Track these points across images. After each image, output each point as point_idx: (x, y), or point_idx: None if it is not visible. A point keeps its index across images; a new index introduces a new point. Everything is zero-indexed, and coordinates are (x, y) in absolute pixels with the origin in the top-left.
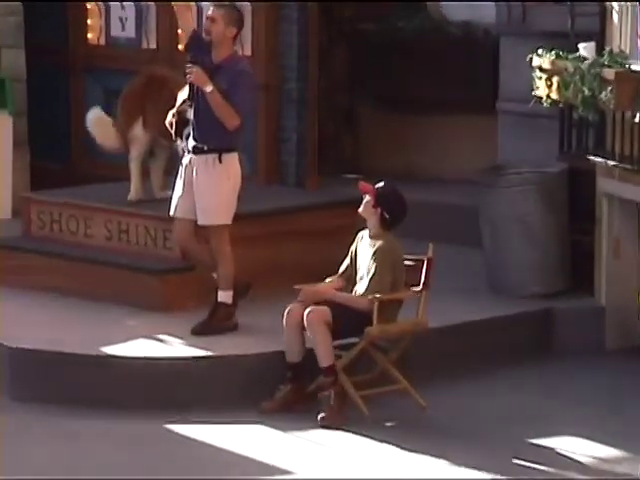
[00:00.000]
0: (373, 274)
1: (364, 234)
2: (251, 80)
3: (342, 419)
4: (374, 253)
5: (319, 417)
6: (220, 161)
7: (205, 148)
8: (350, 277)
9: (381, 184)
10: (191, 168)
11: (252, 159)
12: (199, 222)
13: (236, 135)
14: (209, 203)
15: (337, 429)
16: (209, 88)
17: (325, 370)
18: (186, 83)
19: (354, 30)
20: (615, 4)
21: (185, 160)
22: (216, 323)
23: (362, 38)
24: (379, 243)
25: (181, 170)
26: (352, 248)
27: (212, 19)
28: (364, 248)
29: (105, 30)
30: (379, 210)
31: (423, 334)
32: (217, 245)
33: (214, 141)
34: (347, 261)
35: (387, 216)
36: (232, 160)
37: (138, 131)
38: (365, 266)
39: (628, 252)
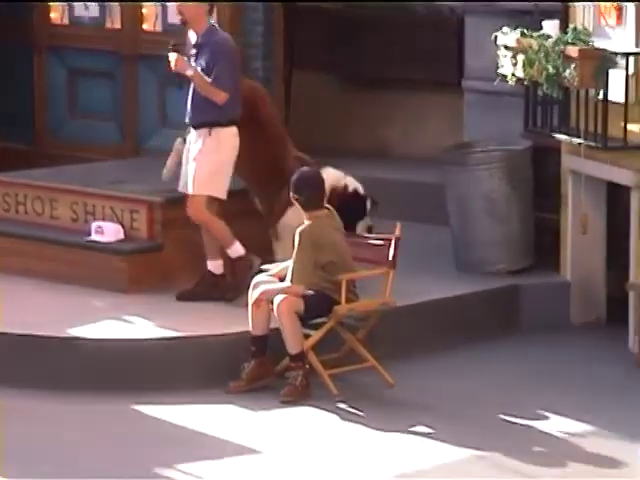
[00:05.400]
0: (293, 258)
1: None
2: (231, 50)
3: (303, 396)
4: (295, 236)
5: (280, 393)
6: (210, 134)
7: (197, 123)
8: None
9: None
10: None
11: None
12: (189, 192)
13: (226, 109)
14: (194, 173)
15: (300, 405)
16: (189, 72)
17: (294, 357)
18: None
19: (310, 8)
20: None
21: (189, 136)
22: (201, 290)
23: (325, 16)
24: (301, 227)
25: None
26: None
27: None
28: None
29: (68, 9)
30: (294, 197)
31: (390, 312)
32: (194, 215)
33: (203, 115)
34: None
35: (299, 198)
36: (223, 134)
37: None
38: None
39: (594, 228)
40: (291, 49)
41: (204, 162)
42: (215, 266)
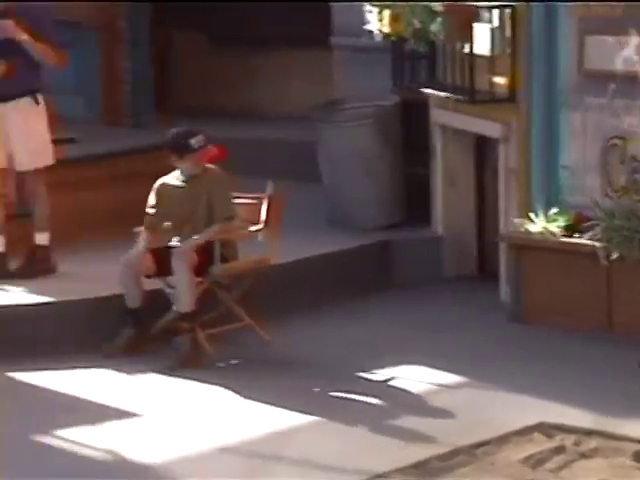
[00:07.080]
0: (227, 196)
1: (166, 179)
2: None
3: (193, 364)
4: (216, 186)
5: (169, 365)
6: (37, 103)
7: (19, 92)
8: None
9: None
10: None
11: (95, 101)
12: (24, 168)
13: (42, 74)
14: (32, 147)
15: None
16: (24, 36)
17: (186, 316)
18: None
19: None
20: None
21: None
22: (37, 266)
23: None
24: (211, 177)
25: None
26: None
27: None
28: (177, 189)
29: None
30: (174, 155)
31: (266, 271)
32: (36, 188)
33: (29, 84)
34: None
35: (182, 148)
36: (41, 100)
37: None
38: (199, 205)
39: (463, 181)
40: (165, 9)
41: (39, 132)
42: (46, 239)
